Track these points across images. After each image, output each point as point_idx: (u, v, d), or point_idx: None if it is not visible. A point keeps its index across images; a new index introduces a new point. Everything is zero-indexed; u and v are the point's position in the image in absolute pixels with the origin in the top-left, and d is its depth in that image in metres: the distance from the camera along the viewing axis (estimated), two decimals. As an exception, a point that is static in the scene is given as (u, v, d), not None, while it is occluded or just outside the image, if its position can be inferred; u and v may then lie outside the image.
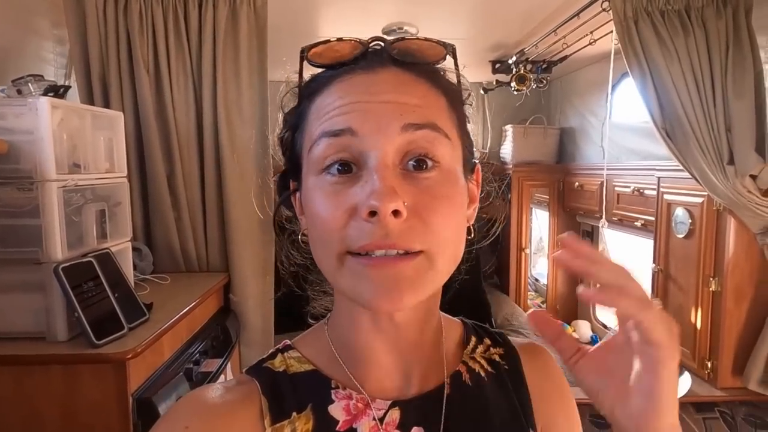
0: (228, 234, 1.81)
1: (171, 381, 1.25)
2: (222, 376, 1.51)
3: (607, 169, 2.48)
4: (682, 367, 2.00)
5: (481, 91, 3.29)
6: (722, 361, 1.90)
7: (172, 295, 1.51)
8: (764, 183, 1.68)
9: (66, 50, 1.77)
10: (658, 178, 2.19)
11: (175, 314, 1.34)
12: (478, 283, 3.26)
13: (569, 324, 3.28)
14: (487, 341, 0.59)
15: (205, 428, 0.45)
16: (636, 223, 2.45)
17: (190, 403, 0.48)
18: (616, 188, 2.61)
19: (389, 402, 0.50)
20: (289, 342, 0.55)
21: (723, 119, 1.70)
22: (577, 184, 3.12)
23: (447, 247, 0.43)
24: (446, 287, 0.51)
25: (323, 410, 0.49)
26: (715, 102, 1.71)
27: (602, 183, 2.57)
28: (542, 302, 3.66)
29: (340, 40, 0.47)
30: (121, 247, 1.38)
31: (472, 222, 0.51)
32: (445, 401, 0.51)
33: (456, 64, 0.50)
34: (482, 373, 0.55)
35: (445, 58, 0.49)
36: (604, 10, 1.84)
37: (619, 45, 1.80)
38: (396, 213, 0.40)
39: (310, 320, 0.59)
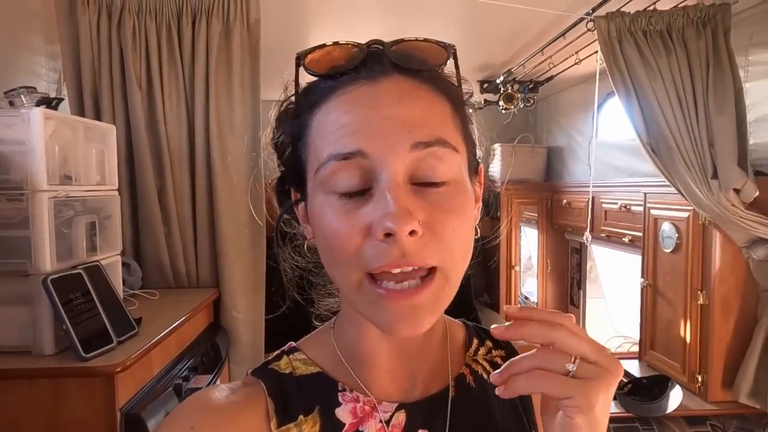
0: (218, 250, 1.80)
1: (160, 396, 1.23)
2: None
3: (594, 186, 2.52)
4: (674, 381, 2.00)
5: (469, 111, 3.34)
6: (712, 375, 1.91)
7: (162, 311, 1.49)
8: (747, 197, 1.72)
9: (58, 65, 1.78)
10: (645, 193, 2.23)
11: (164, 329, 1.32)
12: (470, 301, 3.26)
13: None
14: (489, 343, 0.59)
15: (211, 429, 0.45)
16: (624, 239, 2.48)
17: (196, 404, 0.48)
18: (604, 205, 2.65)
19: (395, 405, 0.50)
20: (294, 344, 0.55)
21: (706, 135, 1.75)
22: (565, 201, 3.16)
23: (460, 258, 0.44)
24: None
25: (330, 413, 0.49)
26: (698, 118, 1.76)
27: (589, 200, 2.60)
28: (532, 320, 3.66)
29: (336, 44, 0.46)
30: (111, 260, 1.36)
31: (477, 221, 0.51)
32: (450, 404, 0.52)
33: (456, 66, 0.49)
34: (485, 376, 0.55)
35: (446, 62, 0.48)
36: (588, 30, 1.89)
37: (604, 64, 1.86)
38: (412, 233, 0.40)
39: (315, 322, 0.59)
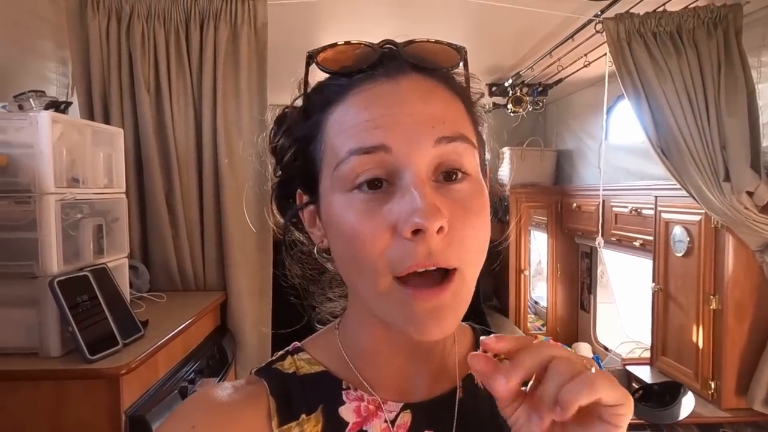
0: (225, 253, 1.80)
1: (165, 399, 1.22)
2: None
3: (605, 190, 2.49)
4: (687, 388, 1.97)
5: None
6: (726, 381, 1.87)
7: (168, 313, 1.49)
8: (761, 200, 1.69)
9: (68, 70, 1.80)
10: (656, 197, 2.20)
11: (170, 331, 1.32)
12: (478, 305, 3.24)
13: (570, 347, 3.24)
14: None
15: (212, 428, 0.45)
16: (635, 243, 2.45)
17: (198, 402, 0.48)
18: (614, 208, 2.62)
19: (401, 404, 0.49)
20: (298, 344, 0.55)
21: (718, 137, 1.72)
22: (575, 205, 3.13)
23: (477, 259, 0.44)
24: None
25: (333, 411, 0.48)
26: (709, 120, 1.73)
27: (599, 203, 2.58)
28: (542, 325, 3.63)
29: (348, 43, 0.46)
30: (118, 263, 1.37)
31: None
32: (457, 405, 0.51)
33: (466, 67, 0.49)
34: None
35: (459, 64, 0.48)
36: (597, 32, 1.88)
37: (614, 66, 1.84)
38: (439, 230, 0.39)
39: (316, 325, 0.59)
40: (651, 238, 2.25)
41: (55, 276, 1.09)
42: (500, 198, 3.36)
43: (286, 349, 0.54)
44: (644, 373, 2.28)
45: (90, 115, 1.70)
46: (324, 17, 2.02)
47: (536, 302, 3.90)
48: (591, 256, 3.29)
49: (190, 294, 1.79)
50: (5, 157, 1.09)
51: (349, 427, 0.48)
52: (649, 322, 2.33)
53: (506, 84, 2.91)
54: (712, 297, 1.89)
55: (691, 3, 1.77)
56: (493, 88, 3.04)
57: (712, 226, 1.87)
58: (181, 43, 1.74)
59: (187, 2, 1.73)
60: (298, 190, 0.51)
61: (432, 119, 0.42)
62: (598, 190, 2.54)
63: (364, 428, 0.48)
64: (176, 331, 1.35)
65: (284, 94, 0.53)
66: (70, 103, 1.45)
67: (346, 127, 0.43)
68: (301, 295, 0.59)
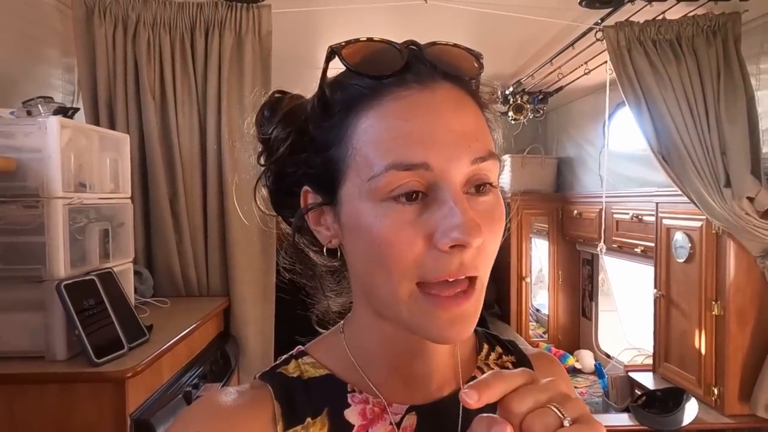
0: (229, 259, 1.81)
1: (170, 403, 1.23)
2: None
3: (606, 197, 2.51)
4: (690, 394, 1.96)
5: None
6: (728, 387, 1.87)
7: (172, 318, 1.50)
8: (761, 205, 1.70)
9: (73, 77, 1.82)
10: (657, 203, 2.22)
11: (174, 336, 1.33)
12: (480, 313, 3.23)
13: (572, 354, 3.24)
14: (499, 349, 0.59)
15: None
16: (636, 250, 2.46)
17: (203, 408, 0.48)
18: (615, 215, 2.63)
19: (406, 407, 0.49)
20: (302, 348, 0.54)
21: (718, 143, 1.74)
22: (576, 212, 3.14)
23: (490, 267, 0.45)
24: None
25: (339, 414, 0.48)
26: (710, 127, 1.75)
27: (601, 210, 2.59)
28: (544, 332, 3.62)
29: (370, 40, 0.45)
30: (123, 267, 1.38)
31: None
32: (461, 407, 0.50)
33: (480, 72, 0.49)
34: None
35: (479, 74, 0.48)
36: (598, 40, 1.90)
37: (614, 74, 1.86)
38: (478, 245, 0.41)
39: (317, 327, 0.59)
40: (652, 244, 2.26)
41: (62, 280, 1.09)
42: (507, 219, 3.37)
43: (291, 353, 0.54)
44: (647, 380, 2.28)
45: (96, 121, 1.72)
46: (327, 26, 2.04)
47: (538, 310, 3.90)
48: (592, 263, 3.29)
49: (194, 299, 1.79)
50: (14, 161, 1.09)
51: (354, 430, 0.47)
52: (650, 328, 2.33)
53: (507, 92, 2.93)
54: (714, 303, 1.89)
55: (691, 11, 1.80)
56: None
57: (714, 232, 1.88)
58: (186, 51, 1.76)
59: (192, 11, 1.75)
60: (305, 188, 0.49)
61: (468, 137, 0.43)
62: (599, 197, 2.56)
63: (370, 431, 0.48)
64: (180, 335, 1.35)
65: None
66: (78, 109, 1.47)
67: (383, 138, 0.42)
68: (302, 293, 0.59)
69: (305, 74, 0.49)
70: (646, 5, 1.75)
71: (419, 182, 0.42)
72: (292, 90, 0.53)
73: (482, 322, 0.63)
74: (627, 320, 3.12)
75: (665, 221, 2.17)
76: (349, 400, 0.49)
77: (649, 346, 2.48)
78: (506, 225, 0.58)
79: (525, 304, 3.46)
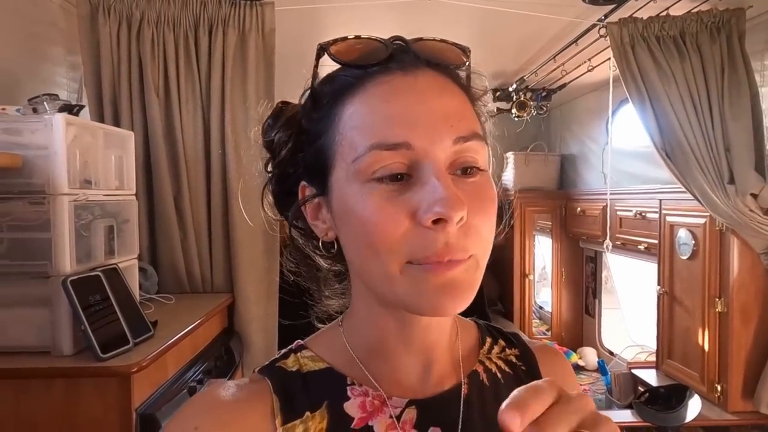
0: (233, 256, 1.82)
1: (174, 398, 1.24)
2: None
3: (609, 194, 2.50)
4: (693, 391, 1.96)
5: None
6: (732, 384, 1.87)
7: (177, 315, 1.51)
8: (765, 202, 1.70)
9: (78, 75, 1.83)
10: (660, 200, 2.21)
11: (179, 332, 1.34)
12: (483, 310, 3.24)
13: (575, 351, 3.24)
14: (502, 342, 0.59)
15: (216, 428, 0.45)
16: (639, 247, 2.45)
17: (201, 403, 0.48)
18: (619, 212, 2.62)
19: (406, 400, 0.49)
20: (302, 342, 0.54)
21: (722, 140, 1.73)
22: (579, 209, 3.14)
23: (488, 248, 0.45)
24: None
25: (338, 407, 0.48)
26: (713, 123, 1.74)
27: (605, 207, 2.58)
28: (547, 329, 3.62)
29: (358, 37, 0.46)
30: (128, 263, 1.39)
31: None
32: (462, 401, 0.51)
33: (469, 65, 0.50)
34: (499, 374, 0.55)
35: (465, 62, 0.49)
36: (601, 36, 1.90)
37: (618, 71, 1.85)
38: (460, 220, 0.40)
39: (317, 324, 0.59)
40: (656, 241, 2.25)
41: (68, 275, 1.10)
42: (505, 203, 3.37)
43: (290, 347, 0.54)
44: (650, 377, 2.28)
45: (100, 118, 1.73)
46: (330, 24, 2.05)
47: (541, 307, 3.89)
48: (596, 260, 3.29)
49: (198, 296, 1.80)
50: (20, 158, 1.10)
51: (354, 423, 0.47)
52: (654, 326, 2.33)
53: (510, 89, 2.93)
54: (717, 300, 1.89)
55: (695, 7, 1.79)
56: (498, 93, 3.06)
57: (717, 228, 1.88)
58: (190, 48, 1.76)
59: (196, 8, 1.75)
60: (302, 183, 0.51)
61: (450, 116, 0.43)
62: (603, 194, 2.56)
63: (370, 423, 0.48)
64: (185, 331, 1.36)
65: (291, 99, 0.53)
66: (83, 106, 1.48)
67: (366, 121, 0.44)
68: (303, 292, 0.59)
69: (308, 72, 0.49)
70: (649, 1, 1.75)
71: (402, 163, 0.42)
72: (294, 88, 0.54)
73: (485, 319, 0.63)
74: (630, 317, 3.12)
75: (669, 218, 2.17)
76: (349, 393, 0.49)
77: (652, 343, 2.47)
78: (510, 222, 0.58)
79: (528, 301, 3.46)
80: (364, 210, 0.43)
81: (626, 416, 2.10)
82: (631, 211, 2.50)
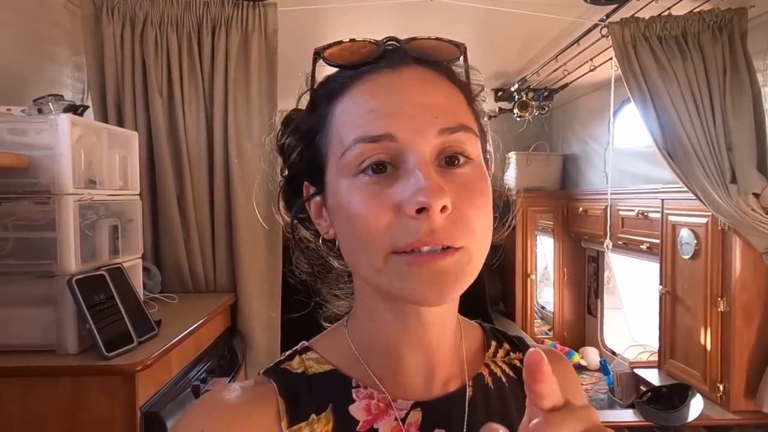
0: (236, 255, 1.83)
1: (178, 397, 1.24)
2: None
3: (611, 194, 2.50)
4: (695, 390, 1.96)
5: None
6: (734, 384, 1.87)
7: (180, 314, 1.51)
8: (767, 201, 1.70)
9: (83, 76, 1.84)
10: (662, 200, 2.21)
11: (183, 331, 1.34)
12: (485, 310, 3.24)
13: (577, 351, 3.24)
14: (507, 346, 0.59)
15: (221, 431, 0.45)
16: (641, 247, 2.45)
17: (206, 405, 0.48)
18: (621, 212, 2.63)
19: (411, 403, 0.49)
20: (306, 343, 0.54)
21: (724, 139, 1.73)
22: (581, 209, 3.14)
23: (483, 240, 0.45)
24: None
25: (344, 410, 0.48)
26: (715, 123, 1.74)
27: (606, 207, 2.58)
28: (549, 329, 3.62)
29: (353, 40, 0.47)
30: (132, 263, 1.40)
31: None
32: (467, 404, 0.51)
33: (466, 62, 0.51)
34: (503, 378, 0.55)
35: (459, 58, 0.50)
36: (603, 36, 1.90)
37: (620, 71, 1.86)
38: (443, 209, 0.40)
39: (324, 323, 0.59)
40: (658, 241, 2.25)
41: (73, 275, 1.11)
42: (506, 203, 3.37)
43: (295, 348, 0.54)
44: (652, 376, 2.28)
45: (104, 118, 1.74)
46: (333, 24, 2.05)
47: (543, 307, 3.90)
48: (598, 260, 3.29)
49: (201, 295, 1.81)
50: (26, 158, 1.11)
51: (359, 426, 0.47)
52: (656, 325, 2.33)
53: (512, 89, 2.93)
54: (719, 299, 1.89)
55: (696, 7, 1.79)
56: (499, 93, 3.06)
57: (719, 228, 1.88)
58: (193, 49, 1.77)
59: (199, 9, 1.76)
60: (305, 183, 0.52)
61: (435, 109, 0.44)
62: (605, 194, 2.56)
63: (375, 426, 0.47)
64: (189, 330, 1.37)
65: (293, 99, 0.54)
66: (87, 106, 1.49)
67: (352, 117, 0.45)
68: (310, 291, 0.60)
69: (318, 75, 0.51)
70: (651, 1, 1.75)
71: (385, 154, 0.43)
72: (297, 88, 0.55)
73: (487, 319, 0.63)
74: (632, 317, 3.12)
75: (671, 218, 2.17)
76: (354, 396, 0.49)
77: (654, 343, 2.47)
78: (511, 222, 0.59)
79: (530, 301, 3.46)
80: (350, 204, 0.44)
81: (628, 416, 2.10)
82: (633, 210, 2.50)
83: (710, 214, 1.86)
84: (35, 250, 1.16)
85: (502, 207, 0.55)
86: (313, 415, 0.47)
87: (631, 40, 1.81)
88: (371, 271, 0.44)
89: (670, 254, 2.17)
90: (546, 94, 2.95)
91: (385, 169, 0.43)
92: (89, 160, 1.24)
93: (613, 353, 3.05)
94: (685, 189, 1.82)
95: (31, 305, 1.16)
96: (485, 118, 0.53)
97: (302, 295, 0.63)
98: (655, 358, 2.39)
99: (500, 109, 3.12)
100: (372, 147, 0.43)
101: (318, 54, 0.48)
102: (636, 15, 1.82)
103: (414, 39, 0.48)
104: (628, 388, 2.44)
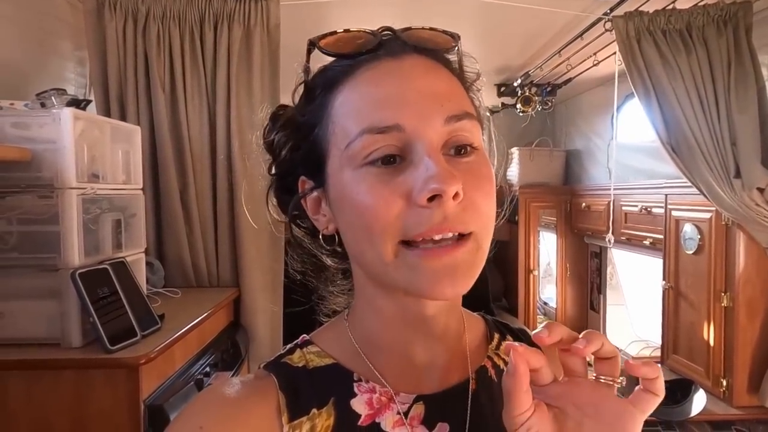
0: (238, 250, 1.83)
1: (181, 390, 1.25)
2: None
3: (615, 189, 2.50)
4: (698, 385, 1.96)
5: (487, 113, 3.35)
6: (737, 379, 1.87)
7: (184, 308, 1.52)
8: (772, 196, 1.69)
9: (86, 71, 1.84)
10: (666, 195, 2.21)
11: (186, 325, 1.35)
12: (488, 305, 3.25)
13: (580, 346, 3.23)
14: (510, 338, 0.58)
15: (220, 427, 0.44)
16: (645, 242, 2.45)
17: (206, 401, 0.47)
18: (624, 207, 2.62)
19: (413, 396, 0.49)
20: (307, 337, 0.54)
21: (728, 133, 1.73)
22: (584, 204, 3.13)
23: (490, 226, 0.45)
24: None
25: (345, 404, 0.47)
26: (719, 117, 1.74)
27: (609, 202, 2.58)
28: (552, 325, 3.62)
29: (348, 31, 0.47)
30: (136, 257, 1.40)
31: None
32: (470, 397, 0.50)
33: (459, 51, 0.51)
34: None
35: (455, 47, 0.49)
36: (607, 30, 1.89)
37: (623, 65, 1.85)
38: (455, 195, 0.40)
39: (322, 319, 0.59)
40: (661, 236, 2.25)
41: (76, 268, 1.12)
42: (509, 198, 3.37)
43: (295, 342, 0.53)
44: (655, 372, 2.28)
45: (107, 112, 1.74)
46: (335, 19, 2.05)
47: (545, 303, 3.89)
48: (600, 256, 3.28)
49: (204, 290, 1.81)
50: (29, 152, 1.11)
51: (361, 420, 0.47)
52: (658, 321, 2.33)
53: (515, 84, 2.92)
54: (723, 294, 1.89)
55: (701, 0, 1.78)
56: (502, 89, 3.05)
57: (723, 223, 1.87)
58: (195, 44, 1.77)
59: (201, 3, 1.76)
60: (301, 178, 0.51)
61: (440, 96, 0.43)
62: (608, 189, 2.55)
63: (377, 420, 0.47)
64: (192, 324, 1.37)
65: (296, 94, 0.53)
66: (90, 101, 1.49)
67: (356, 107, 0.44)
68: (307, 289, 0.59)
69: (313, 67, 0.50)
70: (655, -5, 1.74)
71: (394, 145, 0.42)
72: (299, 80, 0.54)
73: (489, 314, 0.63)
74: (635, 312, 3.11)
75: (674, 213, 2.16)
76: (356, 390, 0.48)
77: (657, 339, 2.47)
78: (515, 217, 0.58)
79: (533, 297, 3.46)
80: (358, 194, 0.43)
81: (631, 411, 2.10)
82: (636, 206, 2.49)
83: (714, 209, 1.85)
84: (39, 244, 1.16)
85: (505, 201, 0.55)
86: (314, 410, 0.47)
87: (635, 34, 1.80)
88: (379, 264, 0.43)
89: (673, 249, 2.17)
90: (549, 89, 2.94)
91: (394, 160, 0.43)
92: (92, 154, 1.24)
93: (616, 349, 3.05)
94: (689, 184, 1.82)
95: (35, 298, 1.16)
96: (481, 106, 0.52)
97: (299, 294, 0.63)
98: (658, 353, 2.39)
99: (503, 104, 3.11)
100: (380, 138, 0.42)
101: (313, 44, 0.47)
102: (640, 9, 1.81)
103: (409, 29, 0.48)
104: (631, 384, 2.44)
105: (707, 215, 1.95)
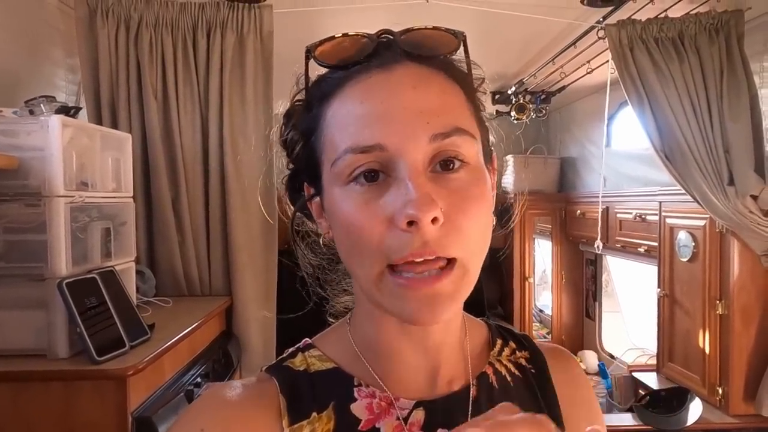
0: (231, 258, 1.81)
1: (171, 402, 1.23)
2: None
3: (609, 196, 2.50)
4: (694, 393, 1.95)
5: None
6: (733, 387, 1.86)
7: (174, 317, 1.50)
8: (765, 203, 1.69)
9: (76, 77, 1.82)
10: (660, 202, 2.21)
11: (176, 335, 1.33)
12: (483, 313, 3.23)
13: (576, 355, 3.23)
14: (513, 344, 0.58)
15: (221, 430, 0.44)
16: (639, 249, 2.45)
17: (207, 403, 0.47)
18: (618, 215, 2.62)
19: (413, 402, 0.48)
20: (309, 341, 0.54)
21: (721, 141, 1.73)
22: (579, 212, 3.13)
23: (479, 248, 0.44)
24: None
25: (345, 409, 0.47)
26: (712, 124, 1.74)
27: (602, 209, 2.58)
28: (547, 333, 3.61)
29: (346, 35, 0.46)
30: (125, 266, 1.38)
31: (492, 208, 0.49)
32: (471, 403, 0.50)
33: (466, 52, 0.49)
34: (509, 377, 0.54)
35: (457, 49, 0.48)
36: (600, 38, 1.90)
37: (616, 73, 1.85)
38: (434, 220, 0.39)
39: (329, 319, 0.59)
40: (656, 244, 2.25)
41: (63, 278, 1.10)
42: (505, 206, 3.37)
43: (297, 345, 0.53)
44: (651, 380, 2.27)
45: (98, 120, 1.73)
46: (329, 26, 2.05)
47: (541, 310, 3.88)
48: (596, 263, 3.28)
49: (196, 299, 1.79)
50: (16, 160, 1.10)
51: (361, 425, 0.47)
52: (654, 329, 2.32)
53: (509, 92, 2.93)
54: (718, 302, 1.88)
55: (693, 9, 1.79)
56: (497, 96, 3.06)
57: (717, 230, 1.87)
58: (188, 51, 1.76)
59: (194, 11, 1.75)
60: (305, 183, 0.52)
61: (426, 113, 0.42)
62: (603, 196, 2.55)
63: (377, 425, 0.47)
64: (182, 334, 1.36)
65: (289, 102, 0.54)
66: (80, 108, 1.48)
67: (343, 123, 0.44)
68: (315, 285, 0.59)
69: (313, 71, 0.50)
70: (648, 3, 1.75)
71: (376, 162, 0.42)
72: (292, 87, 0.54)
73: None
74: (630, 320, 3.11)
75: (668, 220, 2.16)
76: (356, 394, 0.48)
77: (652, 346, 2.46)
78: (510, 225, 0.57)
79: (528, 304, 3.45)
80: (345, 213, 0.43)
81: (627, 419, 2.09)
82: (630, 213, 2.49)
83: (708, 216, 1.85)
84: (26, 253, 1.14)
85: (501, 210, 0.54)
86: (315, 414, 0.47)
87: (627, 42, 1.81)
88: (367, 283, 0.44)
89: (668, 257, 2.17)
90: (543, 96, 2.95)
91: (377, 176, 0.42)
92: (81, 161, 1.23)
93: (612, 357, 3.04)
94: (683, 191, 1.82)
95: (22, 308, 1.14)
96: (484, 111, 0.52)
97: (297, 299, 0.62)
98: (654, 361, 2.38)
99: (497, 111, 3.11)
100: (362, 157, 0.42)
101: (309, 52, 0.47)
102: (633, 17, 1.82)
103: (410, 30, 0.46)
104: (627, 392, 2.43)
105: (701, 222, 1.95)
